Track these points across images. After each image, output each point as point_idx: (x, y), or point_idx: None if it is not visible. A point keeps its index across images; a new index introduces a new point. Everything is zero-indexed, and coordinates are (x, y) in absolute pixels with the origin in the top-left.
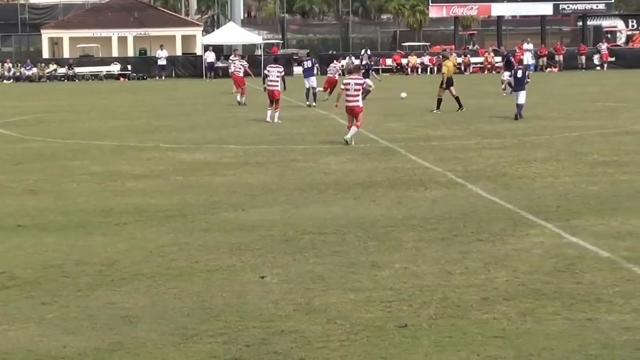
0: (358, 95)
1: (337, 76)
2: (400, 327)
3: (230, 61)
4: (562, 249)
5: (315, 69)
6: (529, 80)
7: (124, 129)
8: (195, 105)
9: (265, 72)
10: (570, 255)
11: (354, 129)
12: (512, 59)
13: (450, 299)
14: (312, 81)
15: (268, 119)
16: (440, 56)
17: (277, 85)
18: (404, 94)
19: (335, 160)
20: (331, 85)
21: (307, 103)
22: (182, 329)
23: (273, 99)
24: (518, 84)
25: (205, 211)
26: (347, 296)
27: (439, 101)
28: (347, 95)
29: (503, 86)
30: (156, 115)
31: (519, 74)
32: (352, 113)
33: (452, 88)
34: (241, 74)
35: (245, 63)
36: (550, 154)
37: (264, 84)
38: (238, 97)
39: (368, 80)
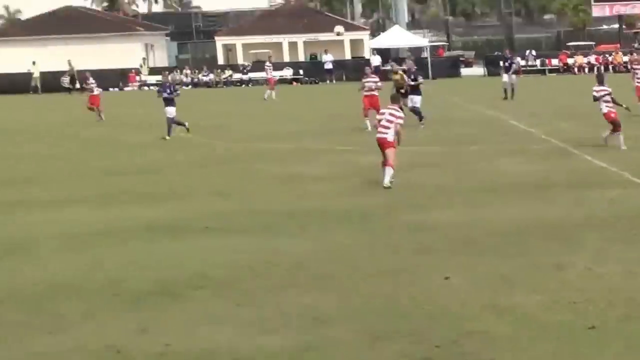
0: (390, 127)
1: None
2: (589, 329)
3: None
4: None
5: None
6: None
7: (302, 133)
8: None
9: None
10: None
11: (388, 170)
12: None
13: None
14: None
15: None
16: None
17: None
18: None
19: (510, 162)
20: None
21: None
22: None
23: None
24: None
25: None
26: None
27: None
28: (379, 126)
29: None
30: (329, 117)
31: None
32: (380, 146)
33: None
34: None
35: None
36: None
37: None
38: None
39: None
